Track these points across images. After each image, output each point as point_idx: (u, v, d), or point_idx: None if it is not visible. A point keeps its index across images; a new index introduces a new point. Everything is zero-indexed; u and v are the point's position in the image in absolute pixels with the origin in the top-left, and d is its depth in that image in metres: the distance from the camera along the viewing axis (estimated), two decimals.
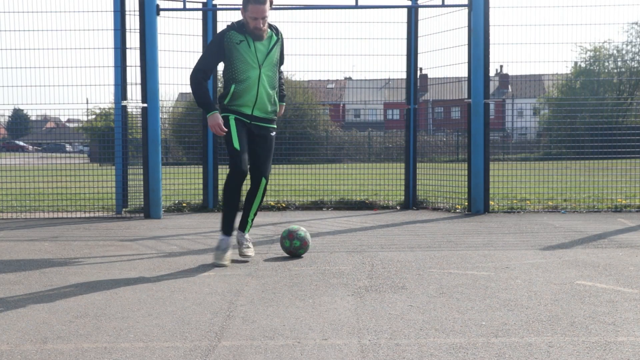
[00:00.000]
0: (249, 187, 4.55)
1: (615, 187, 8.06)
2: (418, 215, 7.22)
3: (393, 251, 4.84)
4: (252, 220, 4.61)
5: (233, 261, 4.42)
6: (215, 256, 4.36)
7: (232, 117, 4.40)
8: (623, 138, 8.53)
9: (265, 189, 4.51)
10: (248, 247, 4.52)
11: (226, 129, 4.33)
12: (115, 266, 4.33)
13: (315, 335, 2.72)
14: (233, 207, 4.42)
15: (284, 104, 4.77)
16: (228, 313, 3.08)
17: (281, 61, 4.61)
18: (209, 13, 7.68)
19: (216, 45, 4.38)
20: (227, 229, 4.44)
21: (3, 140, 11.36)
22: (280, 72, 4.67)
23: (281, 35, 4.53)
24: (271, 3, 4.37)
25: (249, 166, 4.41)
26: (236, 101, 4.38)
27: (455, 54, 7.41)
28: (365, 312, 3.08)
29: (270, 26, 4.46)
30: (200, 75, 4.37)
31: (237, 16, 8.92)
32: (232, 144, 4.34)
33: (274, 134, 4.57)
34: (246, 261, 4.44)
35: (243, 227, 4.59)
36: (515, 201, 7.97)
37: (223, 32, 4.40)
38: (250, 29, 4.31)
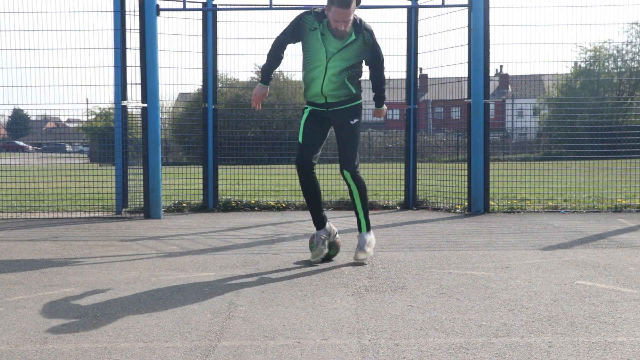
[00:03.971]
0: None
1: (615, 187, 8.06)
2: (418, 215, 7.22)
3: (393, 251, 4.83)
4: (365, 217, 4.39)
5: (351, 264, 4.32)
6: (311, 255, 4.35)
7: (307, 110, 4.43)
8: (623, 138, 8.52)
9: (356, 181, 4.34)
10: (362, 251, 4.32)
11: (259, 107, 4.41)
12: (115, 266, 4.33)
13: (315, 335, 2.72)
14: (309, 200, 4.40)
15: (383, 108, 4.63)
16: (228, 313, 3.08)
17: (372, 59, 4.37)
18: (209, 13, 7.68)
19: (293, 25, 4.35)
20: (316, 223, 4.42)
21: (3, 140, 11.36)
22: (383, 73, 4.48)
23: (365, 33, 4.25)
24: (358, 3, 4.16)
25: (314, 161, 4.36)
26: (308, 91, 4.40)
27: (455, 54, 7.42)
28: (365, 312, 3.08)
29: (355, 23, 4.23)
30: (279, 40, 4.40)
31: (237, 16, 8.93)
32: (298, 137, 4.39)
33: (354, 121, 4.36)
34: (362, 264, 4.30)
35: (359, 228, 4.43)
36: (515, 201, 7.96)
37: (300, 15, 4.32)
38: (332, 28, 4.20)
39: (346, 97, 4.37)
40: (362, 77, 4.56)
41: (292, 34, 4.38)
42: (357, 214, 4.43)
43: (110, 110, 8.62)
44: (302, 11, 4.38)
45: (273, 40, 4.43)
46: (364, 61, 4.40)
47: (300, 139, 4.38)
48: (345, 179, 4.37)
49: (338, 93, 4.34)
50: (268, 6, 7.29)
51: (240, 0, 10.71)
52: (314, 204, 4.40)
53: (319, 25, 4.24)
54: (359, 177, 4.36)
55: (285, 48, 4.45)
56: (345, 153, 4.32)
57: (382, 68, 4.48)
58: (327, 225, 4.43)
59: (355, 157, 4.35)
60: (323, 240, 4.35)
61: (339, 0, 4.03)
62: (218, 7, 7.68)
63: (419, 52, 7.75)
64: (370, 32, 4.28)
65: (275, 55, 4.43)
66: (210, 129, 7.83)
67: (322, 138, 4.44)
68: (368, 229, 4.42)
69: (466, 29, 7.26)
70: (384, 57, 4.47)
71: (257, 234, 5.88)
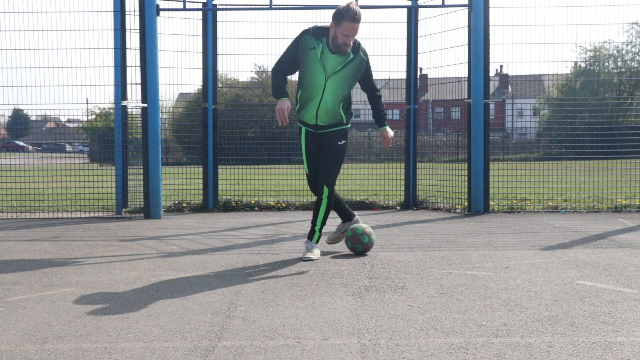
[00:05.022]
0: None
1: (615, 187, 8.06)
2: (418, 215, 7.22)
3: (393, 251, 4.83)
4: (320, 229, 4.57)
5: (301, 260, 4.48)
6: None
7: (303, 131, 4.64)
8: (623, 138, 8.52)
9: (329, 199, 4.52)
10: (311, 252, 4.50)
11: (287, 121, 4.40)
12: (115, 266, 4.33)
13: (315, 335, 2.72)
14: (335, 209, 4.85)
15: (386, 127, 4.68)
16: (228, 313, 3.08)
17: (368, 79, 4.59)
18: (209, 13, 7.68)
19: (292, 47, 4.46)
20: (343, 218, 4.96)
21: (3, 140, 11.36)
22: (378, 92, 4.66)
23: (362, 53, 4.47)
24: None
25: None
26: (302, 110, 4.56)
27: (455, 54, 7.42)
28: (365, 312, 3.08)
29: (361, 48, 4.46)
30: (277, 69, 4.50)
31: (237, 16, 8.93)
32: (304, 165, 4.70)
33: (342, 142, 4.55)
34: (310, 260, 4.43)
35: (310, 236, 4.59)
36: (515, 201, 7.97)
37: (299, 35, 4.44)
38: (338, 43, 4.32)
39: (335, 122, 4.56)
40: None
41: (292, 54, 4.45)
42: (314, 224, 4.59)
43: (110, 110, 8.62)
44: (300, 30, 4.48)
45: (274, 64, 4.52)
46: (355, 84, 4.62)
47: (306, 169, 4.68)
48: (321, 193, 4.54)
49: (329, 119, 4.53)
50: (268, 6, 7.29)
51: (240, 0, 10.71)
52: (340, 207, 4.86)
53: (318, 45, 4.37)
54: (331, 199, 4.56)
55: (288, 70, 4.52)
56: (328, 170, 4.53)
57: (375, 85, 4.66)
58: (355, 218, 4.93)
59: (335, 175, 4.58)
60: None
61: (350, 16, 4.22)
62: (218, 7, 7.68)
63: (419, 52, 7.75)
64: (365, 53, 4.50)
65: (282, 76, 4.50)
66: (210, 129, 7.83)
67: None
68: (318, 241, 4.60)
69: (466, 29, 7.26)
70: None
71: (257, 234, 5.88)
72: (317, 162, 4.61)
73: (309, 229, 4.69)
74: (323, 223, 4.58)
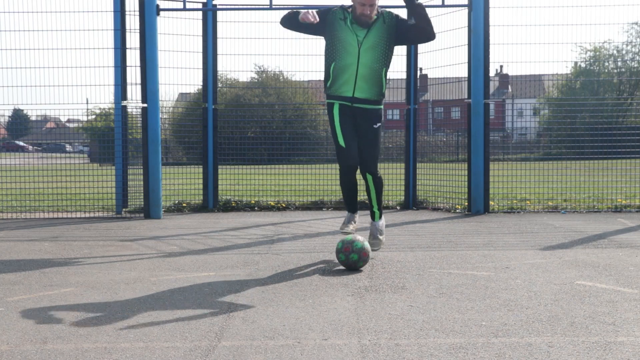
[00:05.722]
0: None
1: (615, 187, 8.06)
2: (418, 215, 7.22)
3: (393, 251, 4.83)
4: (379, 208, 4.62)
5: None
6: (340, 227, 4.62)
7: (335, 106, 4.44)
8: (623, 138, 8.52)
9: (376, 182, 4.51)
10: (376, 238, 4.57)
11: (317, 19, 4.26)
12: (115, 266, 4.33)
13: (315, 335, 2.72)
14: (348, 196, 4.67)
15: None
16: (228, 313, 3.08)
17: (406, 25, 4.47)
18: (209, 13, 7.68)
19: (322, 11, 4.39)
20: (349, 208, 4.70)
21: (3, 140, 11.35)
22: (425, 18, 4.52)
23: (386, 15, 4.40)
24: None
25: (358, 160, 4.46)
26: (337, 82, 4.40)
27: (455, 54, 7.41)
28: (365, 312, 3.08)
29: (382, 12, 4.40)
30: (289, 15, 4.40)
31: (237, 16, 8.94)
32: (337, 140, 4.43)
33: (377, 125, 4.44)
34: (374, 249, 4.52)
35: (372, 217, 4.65)
36: (515, 201, 7.96)
37: (330, 7, 4.44)
38: (357, 15, 4.31)
39: (373, 97, 4.41)
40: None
41: (322, 18, 4.34)
42: (371, 206, 4.62)
43: (110, 110, 8.62)
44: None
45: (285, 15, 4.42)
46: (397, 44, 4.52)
47: (340, 142, 4.40)
48: (366, 180, 4.51)
49: (368, 89, 4.38)
50: (268, 6, 7.30)
51: (240, 0, 10.71)
52: (351, 198, 4.66)
53: (347, 15, 4.36)
54: (379, 178, 4.53)
55: (310, 27, 4.38)
56: (369, 155, 4.45)
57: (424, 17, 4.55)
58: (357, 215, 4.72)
59: (377, 159, 4.49)
60: (355, 220, 4.64)
61: None
62: (218, 7, 7.67)
63: (419, 52, 7.75)
64: (391, 16, 4.42)
65: (288, 15, 4.40)
66: (210, 129, 7.83)
67: (356, 134, 4.48)
68: (380, 216, 4.64)
69: (466, 29, 7.25)
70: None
71: (257, 234, 5.88)
72: (352, 134, 4.41)
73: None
74: (379, 202, 4.59)
